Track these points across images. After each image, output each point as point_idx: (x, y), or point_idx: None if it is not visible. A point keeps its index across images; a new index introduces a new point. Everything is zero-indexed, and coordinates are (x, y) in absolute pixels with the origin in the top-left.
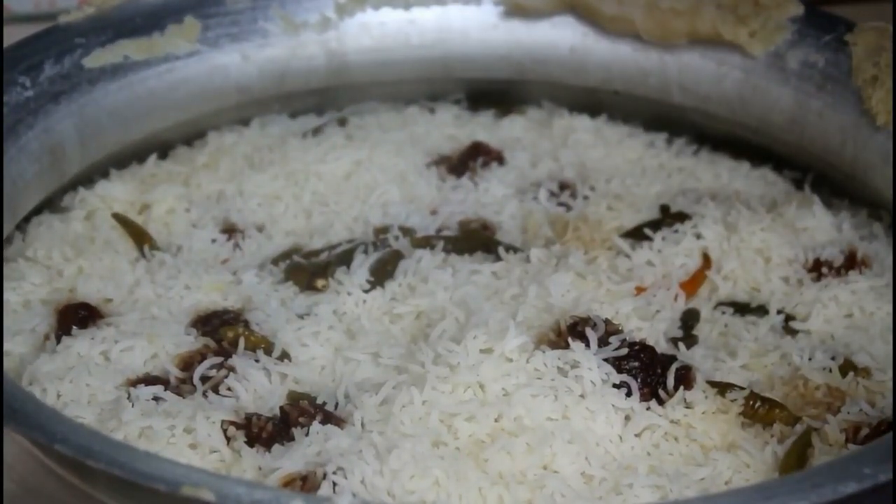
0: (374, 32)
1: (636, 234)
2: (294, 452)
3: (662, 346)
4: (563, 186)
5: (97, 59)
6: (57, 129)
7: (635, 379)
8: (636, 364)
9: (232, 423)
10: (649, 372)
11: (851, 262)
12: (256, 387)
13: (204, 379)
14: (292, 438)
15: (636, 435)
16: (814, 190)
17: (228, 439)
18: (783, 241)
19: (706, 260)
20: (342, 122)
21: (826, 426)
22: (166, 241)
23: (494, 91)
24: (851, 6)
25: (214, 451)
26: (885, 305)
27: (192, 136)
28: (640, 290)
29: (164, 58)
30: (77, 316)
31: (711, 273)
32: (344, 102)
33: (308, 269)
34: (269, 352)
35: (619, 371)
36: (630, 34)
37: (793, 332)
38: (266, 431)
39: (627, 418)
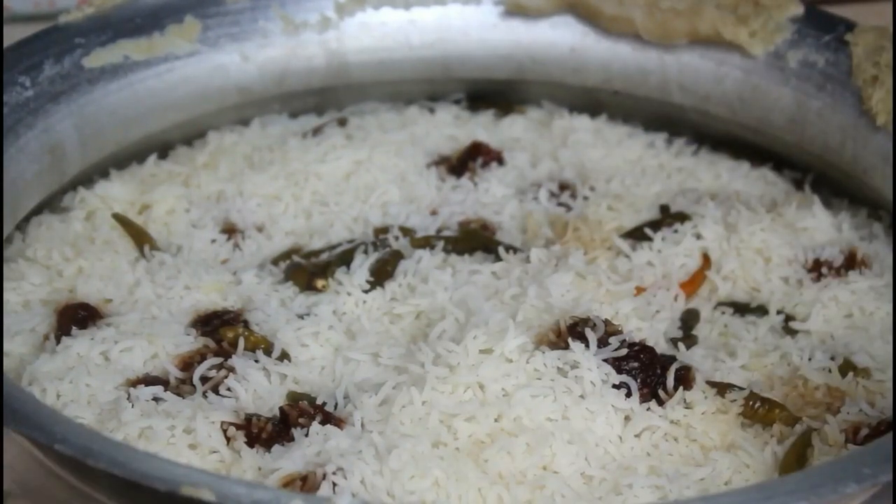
0: (374, 32)
1: (636, 235)
2: (294, 453)
3: (662, 347)
4: (563, 187)
5: (97, 59)
6: (57, 129)
7: (635, 379)
8: (636, 364)
9: (232, 423)
10: (649, 372)
11: (851, 262)
12: (256, 387)
13: (204, 379)
14: (292, 439)
15: (636, 435)
16: (814, 190)
17: (228, 439)
18: (783, 241)
19: (706, 260)
20: (342, 122)
21: (826, 426)
22: (166, 241)
23: (494, 91)
24: (851, 6)
25: (214, 452)
26: (884, 305)
27: (192, 136)
28: (639, 290)
29: (164, 58)
30: (77, 316)
31: (711, 273)
32: (344, 102)
33: (308, 270)
34: (268, 352)
35: (619, 371)
36: (630, 34)
37: (792, 333)
38: (266, 432)
39: (627, 419)
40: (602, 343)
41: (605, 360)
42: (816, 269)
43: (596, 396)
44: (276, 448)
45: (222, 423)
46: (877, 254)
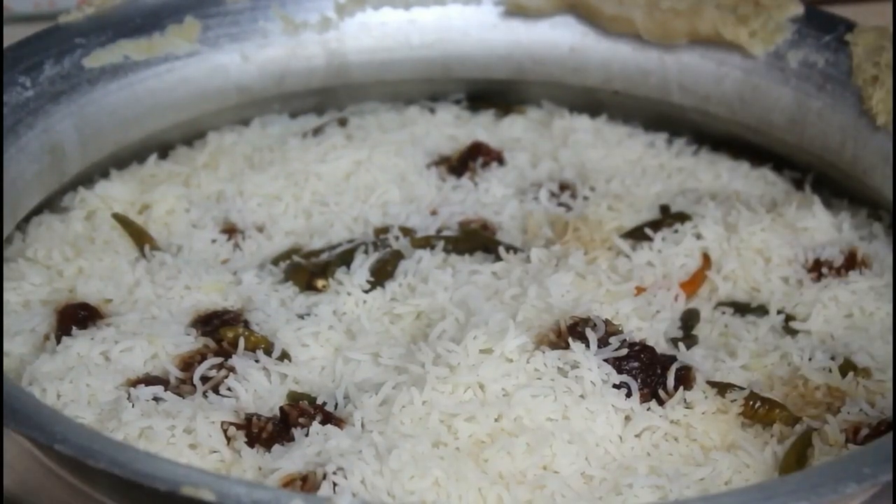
0: (374, 32)
1: (636, 235)
2: (294, 453)
3: (662, 347)
4: (563, 187)
5: (97, 59)
6: (57, 129)
7: (635, 379)
8: (636, 364)
9: (232, 423)
10: (649, 372)
11: (851, 262)
12: (256, 387)
13: (204, 379)
14: (292, 439)
15: (636, 435)
16: (814, 190)
17: (228, 439)
18: (783, 241)
19: (706, 260)
20: (342, 123)
21: (826, 426)
22: (166, 241)
23: (494, 91)
24: (851, 6)
25: (214, 452)
26: (884, 305)
27: (192, 136)
28: (640, 290)
29: (164, 58)
30: (77, 316)
31: (711, 273)
32: (344, 102)
33: (308, 270)
34: (269, 352)
35: (619, 371)
36: (630, 34)
37: (793, 333)
38: (266, 432)
39: (627, 419)
40: (602, 343)
41: (606, 360)
42: (816, 269)
43: (596, 396)
44: (276, 448)
45: (222, 422)
46: (877, 254)
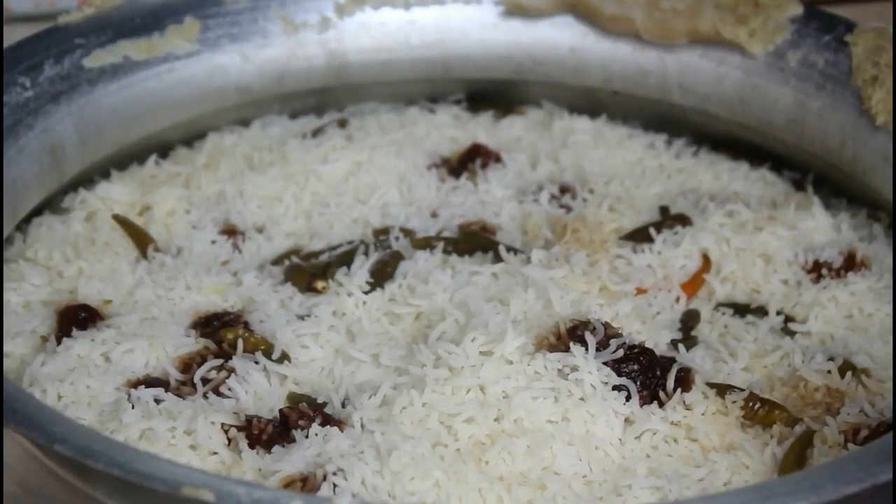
0: (374, 32)
1: (636, 236)
2: (294, 454)
3: (662, 348)
4: (563, 188)
5: (97, 59)
6: (57, 129)
7: (635, 382)
8: (635, 367)
9: (232, 424)
10: (649, 375)
11: (851, 263)
12: (256, 388)
13: (204, 380)
14: (292, 440)
15: (636, 437)
16: (814, 190)
17: (229, 441)
18: (783, 243)
19: (706, 261)
20: (342, 123)
21: (825, 427)
22: (166, 242)
23: (494, 91)
24: (851, 6)
25: (215, 453)
26: (884, 306)
27: (192, 136)
28: (640, 291)
29: (164, 58)
30: (77, 317)
31: (711, 275)
32: (344, 103)
33: (308, 271)
34: (268, 353)
35: (619, 374)
36: (630, 34)
37: (792, 334)
38: (266, 433)
39: (627, 421)
40: (602, 346)
41: (605, 363)
42: (816, 270)
43: (596, 399)
44: (276, 449)
45: (223, 424)
46: (876, 255)
